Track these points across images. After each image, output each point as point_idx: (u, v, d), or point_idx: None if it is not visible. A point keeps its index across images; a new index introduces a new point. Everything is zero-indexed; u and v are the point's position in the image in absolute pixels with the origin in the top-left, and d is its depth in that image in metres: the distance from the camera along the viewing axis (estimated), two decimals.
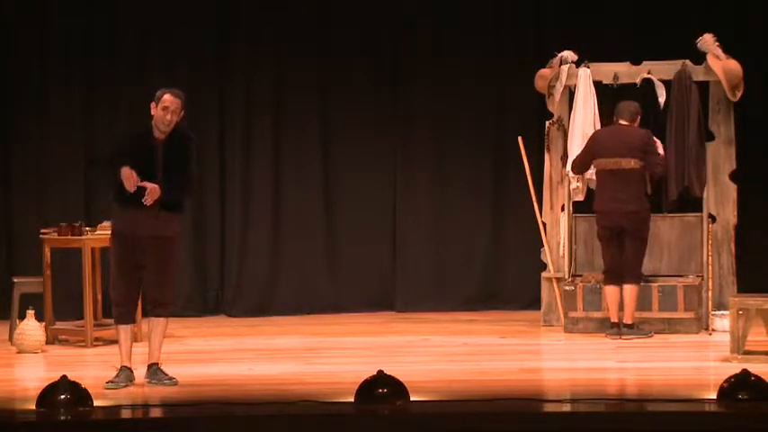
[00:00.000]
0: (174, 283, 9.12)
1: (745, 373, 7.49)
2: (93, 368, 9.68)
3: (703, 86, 11.43)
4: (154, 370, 8.90)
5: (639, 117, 11.03)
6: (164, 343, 9.03)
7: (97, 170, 8.85)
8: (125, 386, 8.72)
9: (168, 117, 8.75)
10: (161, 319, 8.95)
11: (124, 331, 8.91)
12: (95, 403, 7.56)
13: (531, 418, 7.37)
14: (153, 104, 8.80)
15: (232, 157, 13.02)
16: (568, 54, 11.65)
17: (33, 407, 7.53)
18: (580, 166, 11.22)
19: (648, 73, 11.47)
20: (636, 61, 11.59)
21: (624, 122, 10.97)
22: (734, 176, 11.47)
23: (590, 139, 11.16)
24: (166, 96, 8.78)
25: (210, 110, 12.97)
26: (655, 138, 10.99)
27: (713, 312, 11.13)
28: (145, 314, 9.36)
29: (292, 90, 13.01)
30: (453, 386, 8.72)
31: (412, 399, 7.54)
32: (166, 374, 8.88)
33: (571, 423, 7.32)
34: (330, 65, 13.04)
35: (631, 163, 10.82)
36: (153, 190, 8.61)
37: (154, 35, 12.82)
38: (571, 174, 11.50)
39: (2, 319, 11.63)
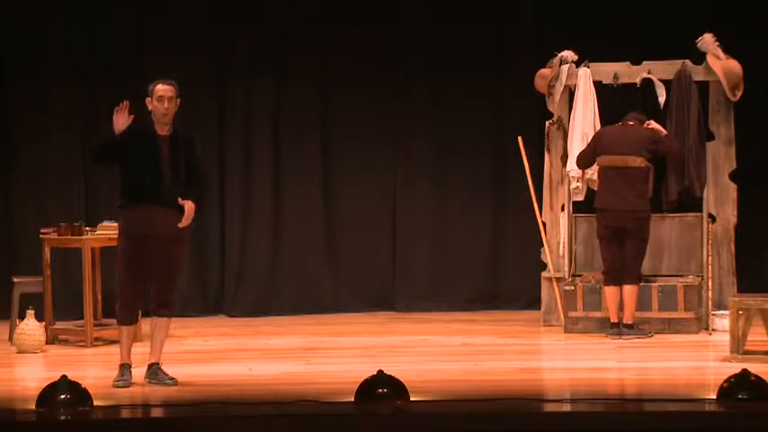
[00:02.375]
0: (180, 284, 9.14)
1: (745, 373, 7.49)
2: (93, 368, 9.69)
3: (703, 86, 11.44)
4: (154, 369, 8.89)
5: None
6: (164, 343, 9.04)
7: (97, 152, 8.84)
8: (131, 383, 8.72)
9: (166, 105, 8.74)
10: (165, 318, 8.95)
11: (127, 331, 8.92)
12: (95, 403, 7.56)
13: (531, 419, 7.37)
14: (148, 100, 8.81)
15: (232, 156, 13.02)
16: (568, 54, 11.65)
17: (33, 407, 7.53)
18: (584, 161, 11.21)
19: (648, 73, 11.48)
20: (636, 61, 11.59)
21: (632, 123, 10.97)
22: (734, 176, 11.48)
23: (596, 136, 11.16)
24: (159, 86, 8.79)
25: (210, 109, 12.98)
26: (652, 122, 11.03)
27: (713, 312, 11.13)
28: (146, 314, 9.36)
29: (292, 90, 13.00)
30: (453, 386, 8.72)
31: (412, 399, 7.54)
32: (167, 374, 8.88)
33: (571, 423, 7.32)
34: (330, 65, 13.04)
35: (637, 161, 10.82)
36: (189, 212, 8.69)
37: (154, 37, 12.81)
38: (572, 172, 11.51)
39: (2, 319, 11.63)
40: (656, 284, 11.17)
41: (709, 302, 11.21)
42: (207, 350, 10.73)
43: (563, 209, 11.73)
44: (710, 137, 11.48)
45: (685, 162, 11.19)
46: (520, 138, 11.80)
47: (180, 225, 8.70)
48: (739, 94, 11.35)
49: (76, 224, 10.97)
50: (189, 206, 8.72)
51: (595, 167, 11.22)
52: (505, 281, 13.08)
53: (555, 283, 11.64)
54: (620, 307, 10.87)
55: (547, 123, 11.84)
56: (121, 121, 8.64)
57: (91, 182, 12.70)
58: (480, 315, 12.66)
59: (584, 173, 11.51)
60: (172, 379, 8.84)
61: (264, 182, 13.02)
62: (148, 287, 8.96)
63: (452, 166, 13.06)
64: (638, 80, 11.51)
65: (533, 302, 12.32)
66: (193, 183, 8.84)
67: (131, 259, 8.76)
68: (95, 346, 10.71)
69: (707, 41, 11.31)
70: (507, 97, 12.96)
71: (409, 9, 13.04)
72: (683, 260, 11.58)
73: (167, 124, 8.79)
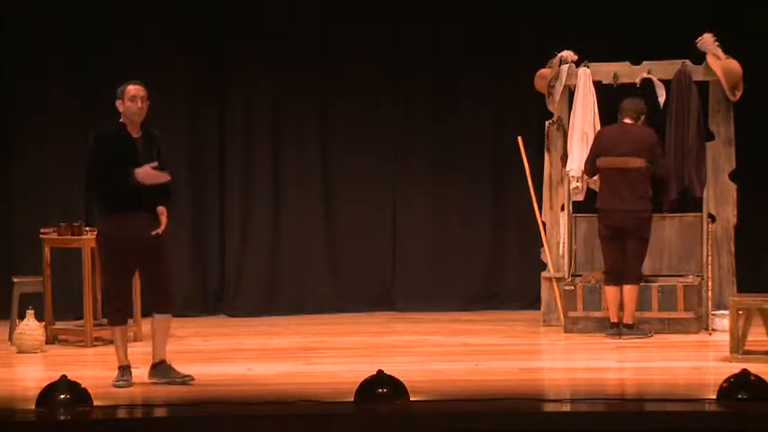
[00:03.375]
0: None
1: (745, 373, 7.49)
2: (93, 368, 9.68)
3: (703, 86, 11.44)
4: (165, 368, 8.86)
5: (644, 116, 11.02)
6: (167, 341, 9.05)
7: (96, 188, 8.96)
8: (132, 383, 8.72)
9: (139, 104, 8.77)
10: (167, 316, 8.95)
11: (121, 331, 8.92)
12: (95, 403, 7.56)
13: (531, 419, 7.37)
14: (119, 102, 8.81)
15: (232, 156, 13.02)
16: (568, 54, 11.65)
17: (33, 407, 7.54)
18: (590, 168, 11.18)
19: (648, 73, 11.47)
20: (636, 61, 11.59)
21: (629, 121, 10.96)
22: (734, 176, 11.48)
23: (596, 138, 11.15)
24: (130, 87, 8.82)
25: (210, 109, 12.98)
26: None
27: (713, 312, 11.13)
28: (144, 314, 9.37)
29: (292, 90, 13.00)
30: (453, 386, 8.71)
31: (412, 399, 7.54)
32: (179, 372, 8.84)
33: (571, 423, 7.32)
34: (330, 64, 13.04)
35: (637, 162, 10.81)
36: (165, 219, 8.82)
37: (154, 37, 12.81)
38: (572, 172, 11.50)
39: (2, 319, 11.63)
40: (656, 284, 11.16)
41: (709, 302, 11.21)
42: (207, 350, 10.73)
43: (563, 209, 11.73)
44: (710, 137, 11.48)
45: (684, 164, 11.18)
46: (520, 138, 11.80)
47: (156, 233, 8.75)
48: (739, 94, 11.35)
49: (76, 224, 10.97)
50: (164, 213, 8.81)
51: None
52: (505, 281, 13.08)
53: (555, 283, 11.64)
54: (621, 307, 10.87)
55: (547, 123, 11.84)
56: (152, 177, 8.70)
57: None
58: (480, 315, 12.66)
59: (583, 173, 11.49)
60: (185, 377, 8.79)
61: (264, 181, 13.02)
62: (147, 287, 9.00)
63: (452, 166, 13.05)
64: (638, 80, 11.50)
65: (533, 302, 12.31)
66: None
67: (121, 261, 8.79)
68: (95, 346, 10.70)
69: (707, 41, 11.31)
70: (507, 97, 12.96)
71: (409, 8, 13.04)
72: (683, 260, 11.58)
73: (139, 124, 8.82)
